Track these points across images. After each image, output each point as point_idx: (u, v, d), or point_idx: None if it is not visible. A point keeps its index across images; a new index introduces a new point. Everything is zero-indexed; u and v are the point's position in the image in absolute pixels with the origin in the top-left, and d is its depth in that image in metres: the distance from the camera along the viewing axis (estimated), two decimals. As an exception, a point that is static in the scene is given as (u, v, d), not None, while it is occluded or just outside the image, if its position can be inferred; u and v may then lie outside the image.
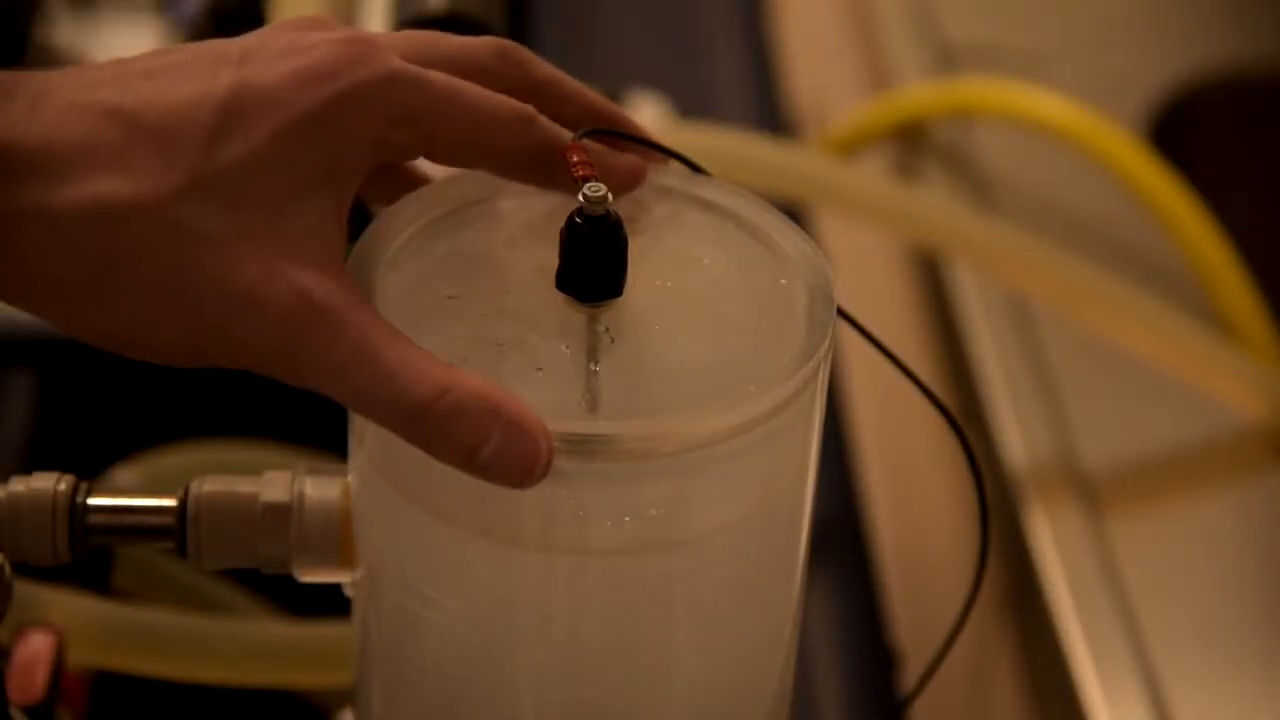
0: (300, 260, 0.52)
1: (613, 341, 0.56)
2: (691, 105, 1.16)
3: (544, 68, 0.59)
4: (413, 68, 0.55)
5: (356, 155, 0.54)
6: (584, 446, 0.53)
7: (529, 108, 0.57)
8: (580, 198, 0.55)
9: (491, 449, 0.52)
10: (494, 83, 0.57)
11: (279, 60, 0.53)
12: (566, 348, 0.56)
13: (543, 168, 0.57)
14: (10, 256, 0.51)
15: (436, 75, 0.55)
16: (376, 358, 0.52)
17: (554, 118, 0.58)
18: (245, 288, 0.51)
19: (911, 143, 1.16)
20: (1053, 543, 0.91)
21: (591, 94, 0.60)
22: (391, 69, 0.54)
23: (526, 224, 0.59)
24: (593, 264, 0.56)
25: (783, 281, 0.58)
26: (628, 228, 0.56)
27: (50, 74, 0.52)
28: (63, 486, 0.60)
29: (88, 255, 0.50)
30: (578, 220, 0.55)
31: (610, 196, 0.55)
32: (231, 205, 0.51)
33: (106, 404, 0.97)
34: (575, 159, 0.56)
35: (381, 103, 0.54)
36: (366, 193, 0.60)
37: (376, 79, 0.54)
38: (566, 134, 0.57)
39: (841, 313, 0.59)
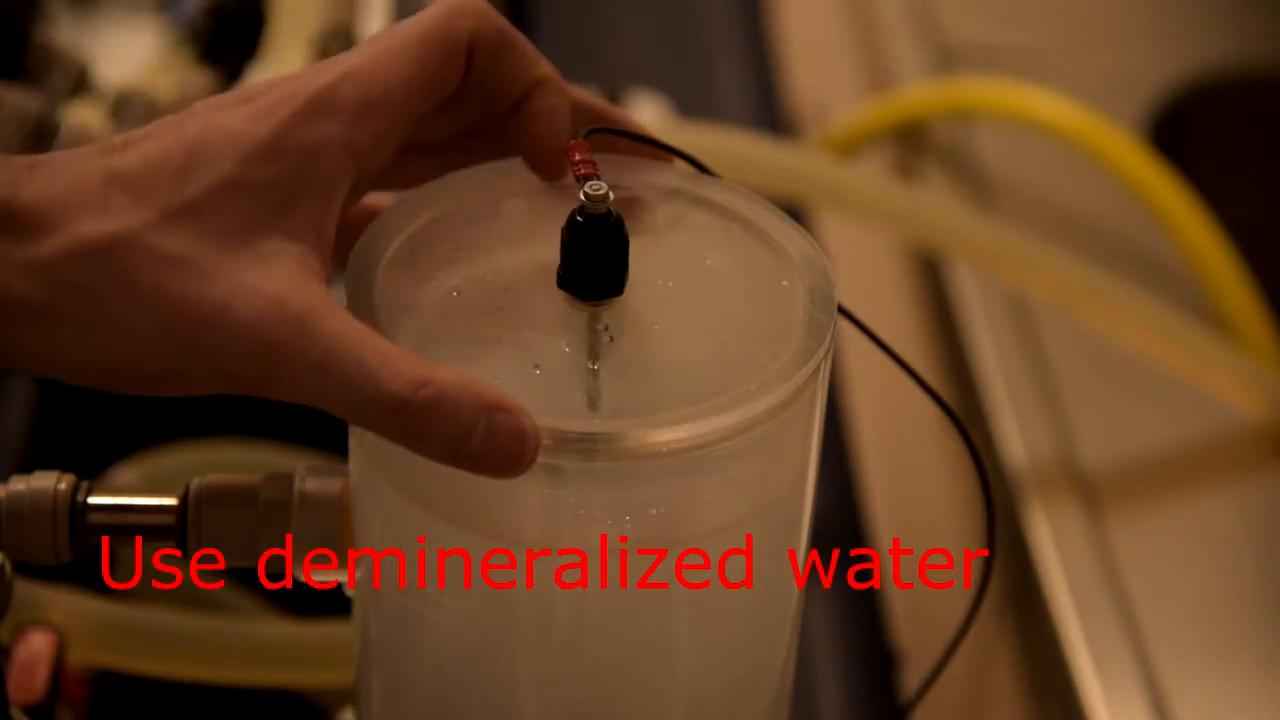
0: (275, 276, 0.53)
1: (612, 340, 0.56)
2: (691, 105, 1.16)
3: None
4: (368, 66, 0.56)
5: (328, 165, 0.55)
6: (584, 446, 0.53)
7: None
8: (581, 196, 0.55)
9: (480, 437, 0.52)
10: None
11: (240, 105, 0.55)
12: (567, 346, 0.56)
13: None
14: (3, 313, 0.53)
15: (393, 69, 0.56)
16: (352, 357, 0.52)
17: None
18: (218, 303, 0.52)
19: (911, 143, 1.16)
20: (1053, 543, 0.91)
21: (579, 91, 0.60)
22: (343, 70, 0.56)
23: (528, 223, 0.59)
24: (593, 263, 0.56)
25: (784, 283, 0.58)
26: (631, 227, 0.56)
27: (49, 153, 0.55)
28: (63, 486, 0.60)
29: (70, 291, 0.52)
30: (579, 219, 0.55)
31: (611, 195, 0.55)
32: (203, 232, 0.53)
33: (106, 404, 0.97)
34: (577, 157, 0.56)
35: (339, 105, 0.55)
36: None
37: (329, 84, 0.55)
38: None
39: (844, 312, 0.59)
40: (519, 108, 0.59)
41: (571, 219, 0.55)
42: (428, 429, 0.52)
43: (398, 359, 0.52)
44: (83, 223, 0.52)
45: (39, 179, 0.53)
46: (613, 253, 0.56)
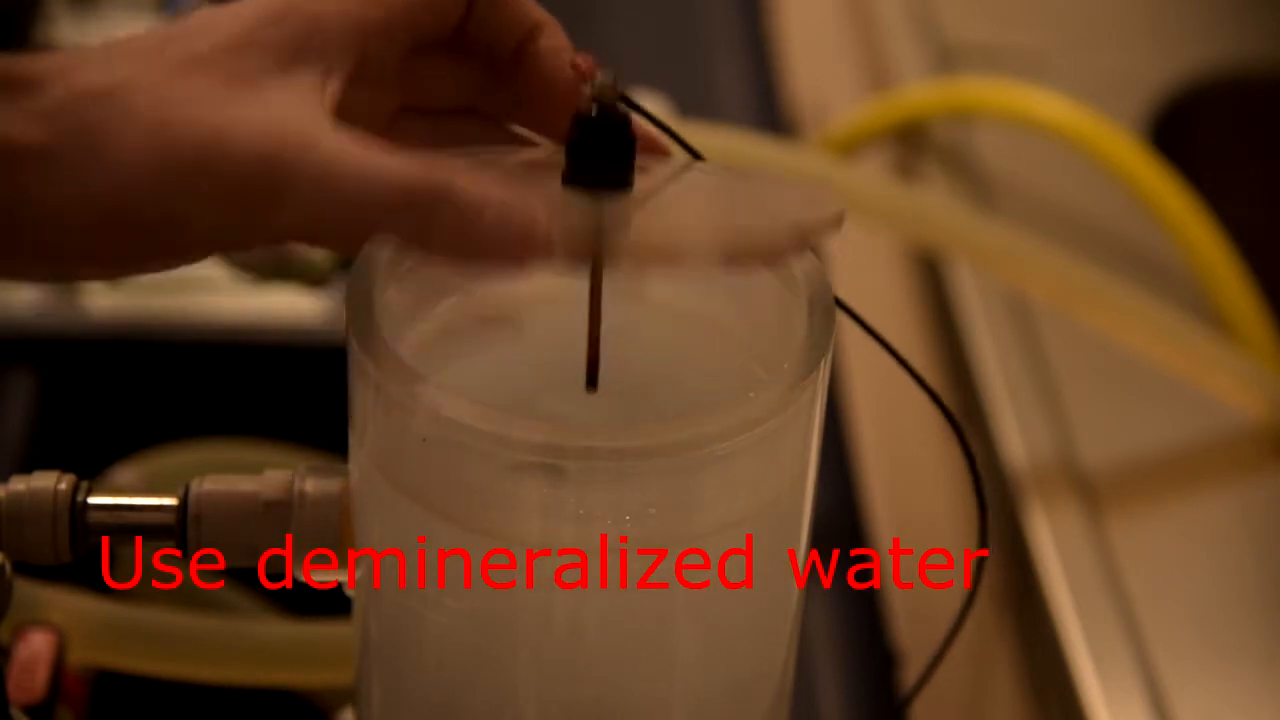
0: (274, 103, 0.54)
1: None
2: (691, 105, 1.16)
3: None
4: None
5: (332, 34, 0.56)
6: (584, 445, 0.53)
7: None
8: (591, 88, 0.55)
9: (490, 221, 0.52)
10: None
11: None
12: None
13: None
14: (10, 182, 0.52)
15: None
16: (355, 158, 0.53)
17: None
18: (217, 124, 0.53)
19: (911, 143, 1.16)
20: (1053, 543, 0.91)
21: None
22: None
23: None
24: (602, 151, 0.55)
25: (785, 282, 0.58)
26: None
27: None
28: (63, 485, 0.60)
29: (70, 130, 0.52)
30: (587, 105, 0.55)
31: (620, 80, 0.55)
32: (207, 76, 0.54)
33: (106, 404, 0.97)
34: (580, 60, 0.56)
35: None
36: None
37: None
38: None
39: (841, 305, 0.59)
40: (523, 51, 0.59)
41: (578, 112, 0.55)
42: (436, 217, 0.52)
43: (400, 156, 0.53)
44: (88, 73, 0.53)
45: (53, 55, 0.54)
46: (620, 140, 0.55)
